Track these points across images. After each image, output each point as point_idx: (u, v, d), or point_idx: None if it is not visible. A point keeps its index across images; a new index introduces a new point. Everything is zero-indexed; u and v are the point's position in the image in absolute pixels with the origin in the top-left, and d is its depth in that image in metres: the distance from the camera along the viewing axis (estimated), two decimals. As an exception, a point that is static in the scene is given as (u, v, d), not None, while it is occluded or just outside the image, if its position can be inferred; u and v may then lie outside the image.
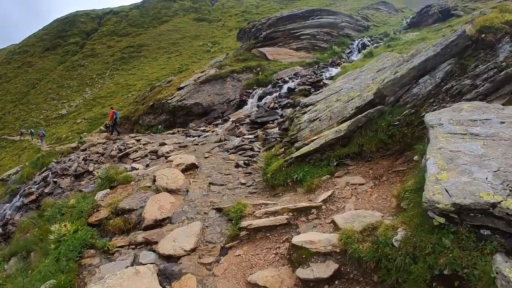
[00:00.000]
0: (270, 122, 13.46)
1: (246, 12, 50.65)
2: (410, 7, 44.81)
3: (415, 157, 5.09)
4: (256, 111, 15.93)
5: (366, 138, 6.26)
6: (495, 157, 3.09)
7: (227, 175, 8.04)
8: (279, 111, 14.45)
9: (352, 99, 7.98)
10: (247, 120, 14.73)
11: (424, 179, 3.17)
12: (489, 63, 5.76)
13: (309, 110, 9.23)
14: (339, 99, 8.57)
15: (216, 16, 62.02)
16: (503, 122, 3.80)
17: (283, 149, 8.39)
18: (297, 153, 6.74)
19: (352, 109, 7.41)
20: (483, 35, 6.16)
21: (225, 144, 11.45)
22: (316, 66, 19.29)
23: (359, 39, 23.21)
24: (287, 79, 18.14)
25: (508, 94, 5.26)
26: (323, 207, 4.79)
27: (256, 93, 18.19)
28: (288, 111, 13.22)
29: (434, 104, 5.88)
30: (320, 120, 8.12)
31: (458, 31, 6.41)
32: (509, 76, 5.27)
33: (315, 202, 4.90)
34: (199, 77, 21.92)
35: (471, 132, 3.78)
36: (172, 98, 20.53)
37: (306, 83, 16.30)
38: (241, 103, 18.27)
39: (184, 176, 7.46)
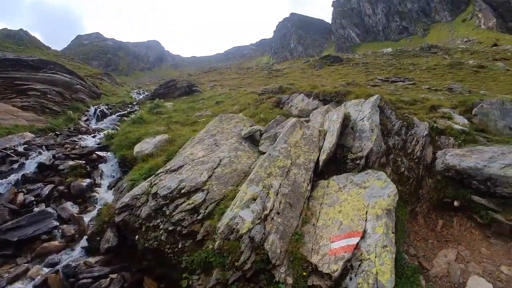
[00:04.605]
0: (44, 236, 6.57)
1: None
2: (128, 83, 50.04)
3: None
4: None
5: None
6: None
7: None
8: (50, 210, 7.29)
9: (289, 170, 5.99)
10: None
11: None
12: (397, 122, 7.87)
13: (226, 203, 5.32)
14: (271, 173, 5.85)
15: None
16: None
17: None
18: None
19: (307, 183, 5.87)
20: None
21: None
22: (53, 134, 13.93)
23: (96, 106, 20.14)
24: (21, 149, 10.94)
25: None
26: None
27: (-35, 173, 9.58)
28: (70, 209, 7.30)
29: (396, 158, 7.02)
30: (277, 213, 5.04)
31: (375, 96, 8.16)
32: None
33: None
34: None
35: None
36: None
37: (71, 155, 10.16)
38: None
39: None
